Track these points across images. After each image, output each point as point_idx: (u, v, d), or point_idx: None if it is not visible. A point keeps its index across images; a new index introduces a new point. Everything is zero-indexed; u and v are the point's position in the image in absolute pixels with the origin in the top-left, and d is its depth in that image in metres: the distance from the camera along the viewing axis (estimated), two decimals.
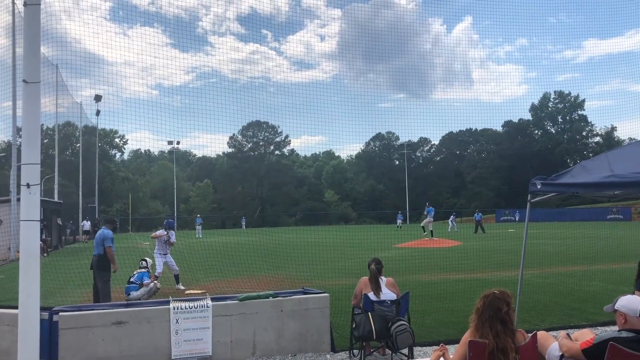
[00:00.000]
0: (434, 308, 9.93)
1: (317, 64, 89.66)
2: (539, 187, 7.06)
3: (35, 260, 5.42)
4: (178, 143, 75.10)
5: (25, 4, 5.57)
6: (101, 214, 53.42)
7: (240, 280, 14.57)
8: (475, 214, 45.11)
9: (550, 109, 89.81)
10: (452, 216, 48.35)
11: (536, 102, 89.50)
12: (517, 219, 62.92)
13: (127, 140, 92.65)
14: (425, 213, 33.81)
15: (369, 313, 6.34)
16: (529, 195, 7.59)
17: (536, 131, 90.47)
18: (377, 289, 6.50)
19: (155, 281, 11.91)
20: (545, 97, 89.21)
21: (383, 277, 6.71)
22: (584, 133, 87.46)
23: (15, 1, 25.82)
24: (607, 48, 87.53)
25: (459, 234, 38.39)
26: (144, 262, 12.27)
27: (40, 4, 5.66)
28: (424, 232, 30.34)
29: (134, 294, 11.23)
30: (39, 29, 5.68)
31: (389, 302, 6.45)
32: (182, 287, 13.56)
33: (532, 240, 9.93)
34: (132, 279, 11.63)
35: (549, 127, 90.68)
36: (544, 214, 54.08)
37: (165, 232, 13.66)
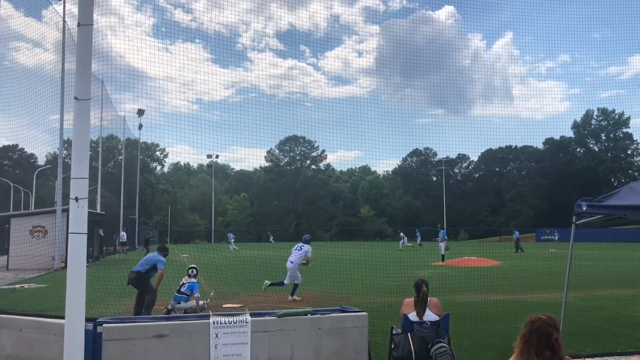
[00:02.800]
0: (473, 330, 9.74)
1: (354, 80, 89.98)
2: (584, 208, 6.90)
3: (81, 272, 5.56)
4: (217, 157, 76.28)
5: (78, 25, 5.79)
6: (141, 225, 54.47)
7: (276, 295, 14.61)
8: (514, 233, 44.46)
9: (593, 127, 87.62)
10: (402, 233, 48.81)
11: (579, 119, 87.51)
12: (556, 239, 61.35)
13: (168, 153, 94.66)
14: (440, 237, 30.77)
15: (409, 334, 6.27)
16: (574, 217, 7.41)
17: (578, 149, 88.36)
18: (422, 311, 6.42)
19: (202, 302, 11.72)
20: (588, 115, 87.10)
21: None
22: (629, 151, 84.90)
23: (66, 19, 26.83)
24: None
25: (504, 254, 37.63)
26: (193, 271, 11.95)
27: (92, 24, 5.88)
28: (443, 260, 27.95)
29: (183, 304, 11.22)
30: (91, 48, 5.88)
31: (429, 323, 6.36)
32: (297, 298, 14.06)
33: (575, 262, 9.59)
34: (182, 289, 11.48)
35: (591, 145, 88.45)
36: (587, 234, 52.45)
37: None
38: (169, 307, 11.27)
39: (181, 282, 11.72)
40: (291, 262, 14.49)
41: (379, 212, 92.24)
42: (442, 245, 29.23)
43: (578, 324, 10.18)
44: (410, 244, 44.84)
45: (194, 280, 11.67)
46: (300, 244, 15.05)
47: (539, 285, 16.78)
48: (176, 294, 11.50)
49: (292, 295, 14.25)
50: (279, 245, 56.48)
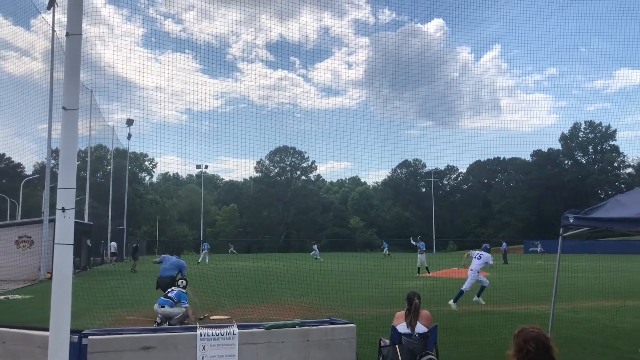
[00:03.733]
0: (461, 341, 9.74)
1: (344, 91, 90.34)
2: (571, 220, 6.95)
3: (67, 283, 5.50)
4: (206, 167, 76.06)
5: (67, 35, 5.77)
6: (129, 236, 54.06)
7: (264, 306, 14.54)
8: (502, 244, 44.76)
9: (580, 139, 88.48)
10: (315, 245, 50.25)
11: (566, 131, 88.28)
12: (539, 251, 61.84)
13: (157, 163, 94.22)
14: (418, 246, 29.46)
15: (397, 346, 6.26)
16: (561, 229, 7.46)
17: (566, 161, 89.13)
18: (413, 323, 6.42)
19: (190, 314, 11.63)
20: (575, 127, 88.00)
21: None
22: (616, 164, 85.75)
23: (55, 28, 26.72)
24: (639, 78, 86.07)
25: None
26: (182, 282, 12.13)
27: (81, 34, 5.86)
28: (428, 271, 27.28)
29: (167, 308, 11.17)
30: (80, 58, 5.86)
31: (417, 335, 6.36)
32: (483, 302, 15.10)
33: (561, 273, 9.57)
34: (170, 294, 11.49)
35: (579, 158, 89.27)
36: (574, 245, 52.77)
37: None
38: (158, 320, 11.18)
39: (170, 289, 11.74)
40: (471, 270, 15.34)
41: (368, 223, 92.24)
42: (421, 256, 28.53)
43: (565, 336, 10.21)
44: (321, 259, 43.63)
45: (183, 290, 11.66)
46: (480, 252, 15.89)
47: (526, 296, 16.84)
48: (162, 297, 11.47)
49: (478, 296, 15.34)
50: (265, 255, 56.34)
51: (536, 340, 3.69)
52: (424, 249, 29.06)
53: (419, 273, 27.37)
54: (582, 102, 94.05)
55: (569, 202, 65.93)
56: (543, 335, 3.74)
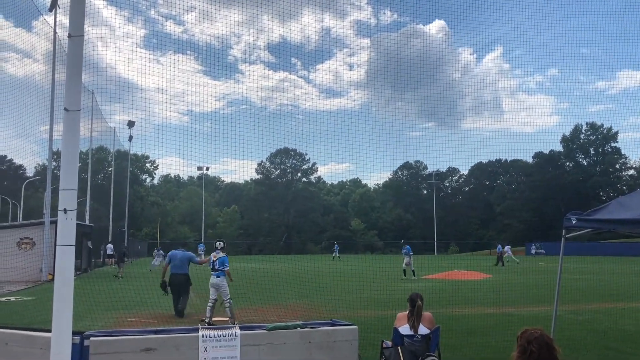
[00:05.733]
0: (464, 343, 9.72)
1: (345, 92, 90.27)
2: (574, 222, 6.93)
3: (69, 284, 5.49)
4: (207, 169, 76.09)
5: (69, 36, 5.77)
6: (130, 237, 54.06)
7: (266, 308, 14.52)
8: (498, 246, 44.68)
9: (582, 141, 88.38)
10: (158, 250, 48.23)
11: (567, 133, 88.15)
12: (533, 253, 61.47)
13: (158, 165, 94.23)
14: (403, 253, 28.21)
15: (399, 347, 6.24)
16: (564, 231, 7.44)
17: (567, 163, 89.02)
18: (416, 325, 6.40)
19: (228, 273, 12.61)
20: (577, 129, 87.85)
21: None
22: (617, 166, 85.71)
23: (56, 30, 26.76)
24: None
25: (490, 267, 37.62)
26: (220, 243, 12.91)
27: (83, 36, 5.86)
28: (404, 275, 26.26)
29: (222, 278, 12.27)
30: (82, 59, 5.86)
31: (419, 336, 6.34)
32: None
33: (564, 275, 9.57)
34: (216, 266, 12.29)
35: (580, 159, 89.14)
36: (576, 247, 52.61)
37: None
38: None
39: (211, 260, 12.59)
40: None
41: (369, 225, 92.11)
42: (407, 259, 27.32)
43: (568, 337, 10.18)
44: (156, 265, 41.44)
45: (222, 254, 12.53)
46: None
47: (529, 298, 16.81)
48: (213, 272, 12.40)
49: None
50: (266, 257, 56.31)
51: (539, 341, 3.71)
52: (409, 252, 27.62)
53: (404, 276, 26.44)
54: (584, 103, 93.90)
55: (571, 204, 65.84)
56: (546, 336, 3.76)
